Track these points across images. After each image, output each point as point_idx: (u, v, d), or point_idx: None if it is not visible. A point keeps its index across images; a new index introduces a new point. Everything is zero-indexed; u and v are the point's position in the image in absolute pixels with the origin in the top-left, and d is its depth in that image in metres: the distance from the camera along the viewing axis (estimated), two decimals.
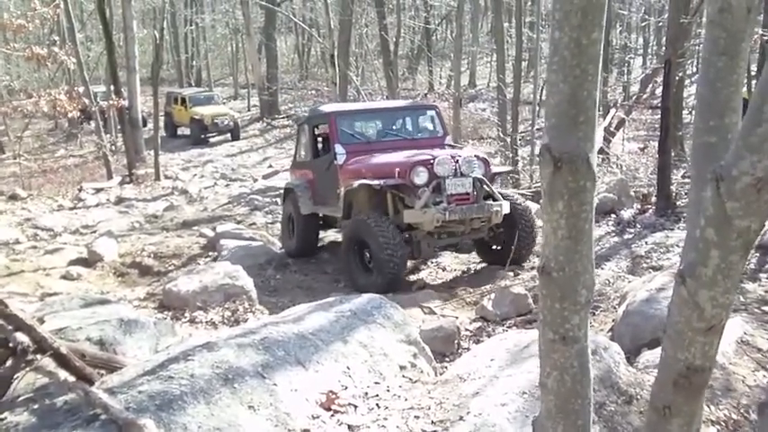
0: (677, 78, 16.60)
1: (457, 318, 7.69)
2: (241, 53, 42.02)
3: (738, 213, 1.56)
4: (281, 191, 16.16)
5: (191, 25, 42.71)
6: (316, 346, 4.56)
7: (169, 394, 3.63)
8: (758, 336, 5.36)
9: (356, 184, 9.59)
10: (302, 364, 4.35)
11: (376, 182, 9.34)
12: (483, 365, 4.55)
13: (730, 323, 5.68)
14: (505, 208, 9.35)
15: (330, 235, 12.60)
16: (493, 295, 7.88)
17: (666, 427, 1.83)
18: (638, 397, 4.22)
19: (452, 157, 9.35)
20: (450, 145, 11.26)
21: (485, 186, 9.48)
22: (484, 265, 10.42)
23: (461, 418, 3.94)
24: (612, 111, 20.26)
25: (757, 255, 8.20)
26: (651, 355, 5.25)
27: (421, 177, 9.09)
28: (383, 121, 11.46)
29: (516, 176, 16.25)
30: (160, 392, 3.65)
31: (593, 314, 7.05)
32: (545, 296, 1.88)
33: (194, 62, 45.73)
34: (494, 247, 10.26)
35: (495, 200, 9.54)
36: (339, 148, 10.53)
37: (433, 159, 9.19)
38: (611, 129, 18.42)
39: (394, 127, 11.40)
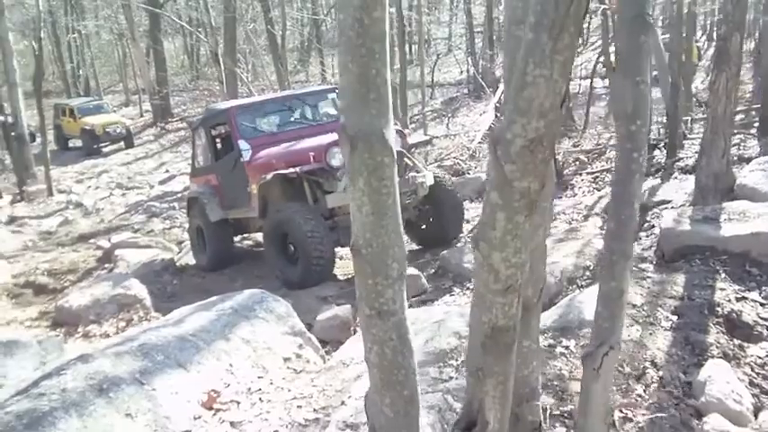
0: None
1: (352, 305, 7.72)
2: (129, 58, 41.06)
3: (517, 175, 1.61)
4: (179, 195, 15.92)
5: (73, 33, 41.46)
6: (197, 347, 4.54)
7: (38, 411, 3.56)
8: (633, 292, 5.54)
9: (269, 176, 9.08)
10: (183, 366, 4.32)
11: (291, 170, 8.89)
12: None
13: None
14: (429, 178, 9.07)
15: None
16: None
17: (483, 389, 1.89)
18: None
19: None
20: None
21: (405, 159, 9.23)
22: None
23: (343, 403, 3.99)
24: (501, 86, 20.58)
25: (638, 214, 8.49)
26: None
27: (338, 158, 8.59)
28: (284, 110, 10.95)
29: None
30: (29, 411, 3.57)
31: (469, 288, 7.16)
32: (358, 273, 1.91)
33: (81, 71, 44.36)
34: (422, 226, 9.96)
35: (417, 171, 9.30)
36: (243, 144, 10.03)
37: None
38: (499, 104, 18.71)
39: (296, 115, 10.94)
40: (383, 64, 1.82)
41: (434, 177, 9.47)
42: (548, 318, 5.18)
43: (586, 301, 5.42)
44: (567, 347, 4.60)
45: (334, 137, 9.12)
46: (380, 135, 1.81)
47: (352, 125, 1.82)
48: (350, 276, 9.46)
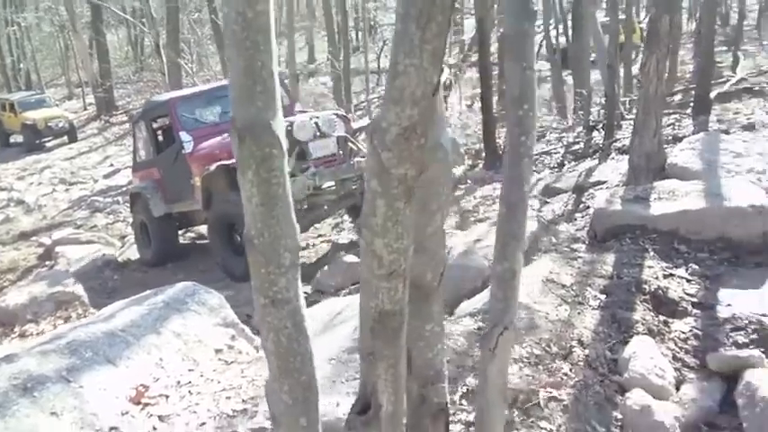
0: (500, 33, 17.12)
1: None
2: (71, 51, 40.24)
3: (393, 162, 1.65)
4: (124, 188, 15.73)
5: (12, 26, 40.47)
6: (126, 342, 4.52)
7: None
8: (563, 273, 5.63)
9: (213, 167, 8.88)
10: (112, 361, 4.30)
11: (234, 161, 8.70)
12: None
13: (538, 264, 5.96)
14: None
15: None
16: (326, 267, 7.96)
17: (375, 373, 1.93)
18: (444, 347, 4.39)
19: (311, 119, 8.88)
20: (301, 111, 10.69)
21: (350, 144, 9.12)
22: (323, 239, 10.44)
23: None
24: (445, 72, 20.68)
25: (574, 196, 8.61)
26: (467, 305, 5.43)
27: None
28: (225, 100, 10.40)
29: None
30: None
31: None
32: (252, 263, 1.93)
33: (21, 64, 43.30)
34: None
35: (362, 156, 9.00)
36: (185, 136, 9.85)
37: (291, 125, 8.48)
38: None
39: None
40: (269, 56, 1.84)
41: None
42: (479, 300, 5.25)
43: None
44: None
45: None
46: (267, 126, 1.84)
47: (240, 117, 1.85)
48: None
